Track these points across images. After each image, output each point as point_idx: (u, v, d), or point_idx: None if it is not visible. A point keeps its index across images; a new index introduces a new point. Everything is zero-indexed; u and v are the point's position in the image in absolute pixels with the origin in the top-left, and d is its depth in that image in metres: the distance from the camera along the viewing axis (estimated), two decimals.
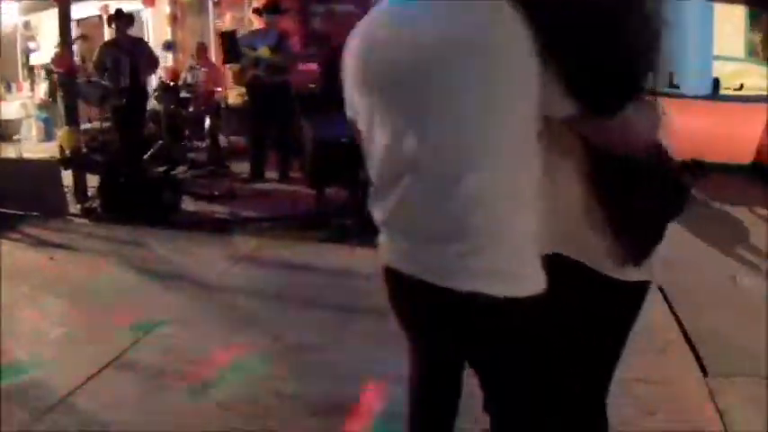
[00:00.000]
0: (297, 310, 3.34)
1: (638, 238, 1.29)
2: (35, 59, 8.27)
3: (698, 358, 2.75)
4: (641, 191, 1.25)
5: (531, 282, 1.19)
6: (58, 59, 5.66)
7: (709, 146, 5.29)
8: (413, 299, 1.28)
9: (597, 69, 1.06)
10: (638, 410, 2.41)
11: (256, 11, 6.25)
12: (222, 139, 6.94)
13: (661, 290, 3.43)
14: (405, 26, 1.15)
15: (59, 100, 6.66)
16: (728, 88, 5.32)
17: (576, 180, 1.25)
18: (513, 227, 1.16)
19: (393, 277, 1.30)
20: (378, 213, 1.29)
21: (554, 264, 1.26)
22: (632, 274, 1.32)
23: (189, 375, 2.64)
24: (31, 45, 8.96)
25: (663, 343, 2.90)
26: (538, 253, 1.21)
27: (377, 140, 1.22)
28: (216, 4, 8.23)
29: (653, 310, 3.22)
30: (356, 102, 1.26)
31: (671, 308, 3.23)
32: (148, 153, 6.10)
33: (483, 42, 1.07)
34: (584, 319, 1.37)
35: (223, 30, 6.99)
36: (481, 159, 1.12)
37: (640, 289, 1.39)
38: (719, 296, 3.36)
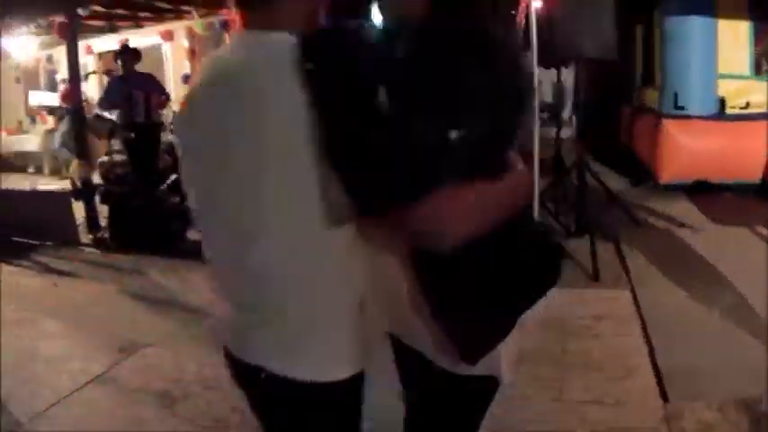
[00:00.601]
0: None
1: (470, 335, 1.16)
2: (35, 99, 8.92)
3: (660, 384, 2.84)
4: (465, 286, 1.13)
5: (326, 364, 1.13)
6: (65, 95, 6.17)
7: (717, 166, 5.41)
8: (228, 367, 1.26)
9: (362, 171, 1.01)
10: (584, 430, 2.57)
11: None
12: None
13: (639, 314, 3.58)
14: (205, 92, 1.16)
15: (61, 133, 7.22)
16: (734, 107, 5.45)
17: (399, 266, 1.17)
18: (302, 306, 1.12)
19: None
20: None
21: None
22: (470, 369, 1.20)
23: (162, 391, 2.98)
24: (58, 77, 9.70)
25: (628, 368, 3.02)
26: (348, 336, 1.15)
27: (191, 200, 1.25)
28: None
29: (626, 335, 3.37)
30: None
31: (645, 332, 3.35)
32: (164, 184, 6.56)
33: (268, 124, 1.05)
34: (415, 410, 1.34)
35: None
36: (266, 236, 1.10)
37: (482, 384, 1.26)
38: (700, 321, 3.42)
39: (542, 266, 1.23)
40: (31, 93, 9.30)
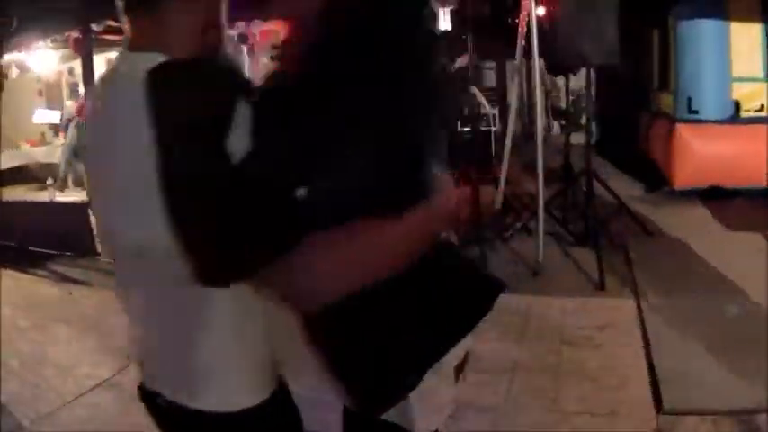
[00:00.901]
0: None
1: (366, 385, 1.01)
2: (39, 117, 9.19)
3: (655, 395, 2.86)
4: (355, 332, 0.98)
5: (221, 395, 1.09)
6: (79, 108, 6.32)
7: (731, 170, 5.39)
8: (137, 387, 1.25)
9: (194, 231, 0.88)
10: None
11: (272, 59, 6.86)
12: None
13: (642, 323, 3.59)
14: (94, 135, 1.10)
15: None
16: (749, 110, 5.42)
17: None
18: (192, 344, 1.07)
19: None
20: None
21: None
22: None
23: None
24: (81, 89, 9.99)
25: (624, 378, 3.04)
26: (244, 366, 1.10)
27: None
28: (249, 50, 8.95)
29: (626, 345, 3.37)
30: None
31: (646, 342, 3.36)
32: None
33: (117, 163, 0.98)
34: None
35: None
36: (142, 280, 1.06)
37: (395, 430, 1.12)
38: (703, 331, 3.41)
39: (458, 308, 1.06)
40: (36, 111, 9.58)
